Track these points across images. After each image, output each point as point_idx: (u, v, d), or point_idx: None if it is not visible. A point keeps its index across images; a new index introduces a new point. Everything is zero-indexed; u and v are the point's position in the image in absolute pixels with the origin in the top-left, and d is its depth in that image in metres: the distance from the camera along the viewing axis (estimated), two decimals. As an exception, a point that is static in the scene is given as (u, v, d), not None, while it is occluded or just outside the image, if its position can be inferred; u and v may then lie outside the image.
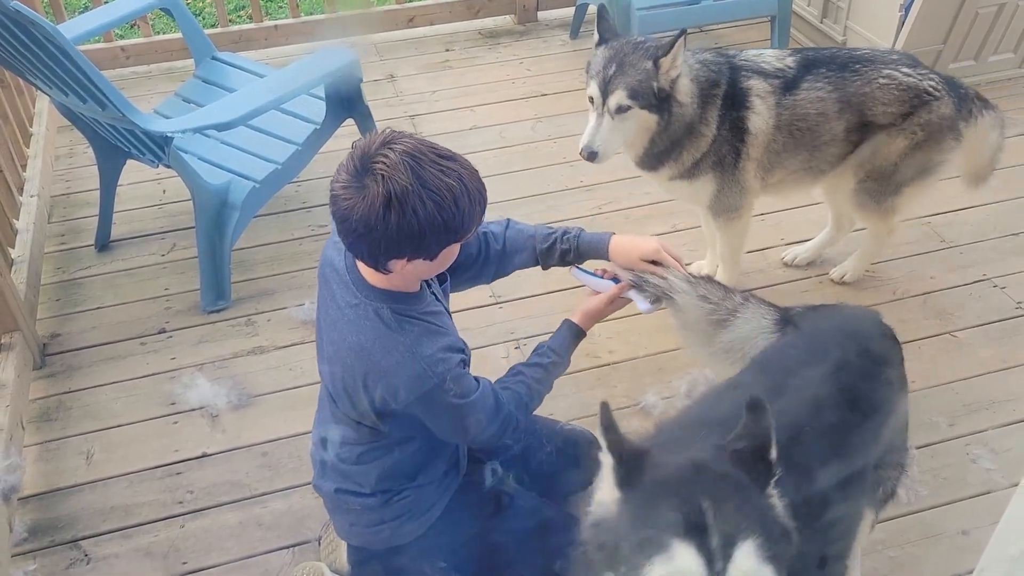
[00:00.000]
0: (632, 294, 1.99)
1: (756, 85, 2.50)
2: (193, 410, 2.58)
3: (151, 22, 4.22)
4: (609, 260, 2.04)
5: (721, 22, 4.18)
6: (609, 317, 2.84)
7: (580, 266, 2.07)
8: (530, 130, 3.77)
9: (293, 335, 2.82)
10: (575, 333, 2.02)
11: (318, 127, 3.03)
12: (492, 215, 3.25)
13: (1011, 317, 2.84)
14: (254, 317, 2.89)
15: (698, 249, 3.09)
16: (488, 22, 4.54)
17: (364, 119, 3.15)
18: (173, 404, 2.60)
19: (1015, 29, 3.83)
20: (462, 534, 1.94)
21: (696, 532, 1.15)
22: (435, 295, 1.84)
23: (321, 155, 3.18)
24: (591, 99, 2.39)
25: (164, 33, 4.35)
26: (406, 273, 1.64)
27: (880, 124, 2.53)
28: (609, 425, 1.27)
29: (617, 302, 2.01)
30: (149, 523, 2.29)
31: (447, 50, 4.35)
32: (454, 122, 3.82)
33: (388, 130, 1.58)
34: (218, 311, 2.90)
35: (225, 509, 2.32)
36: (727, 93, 2.48)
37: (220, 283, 2.88)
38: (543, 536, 1.98)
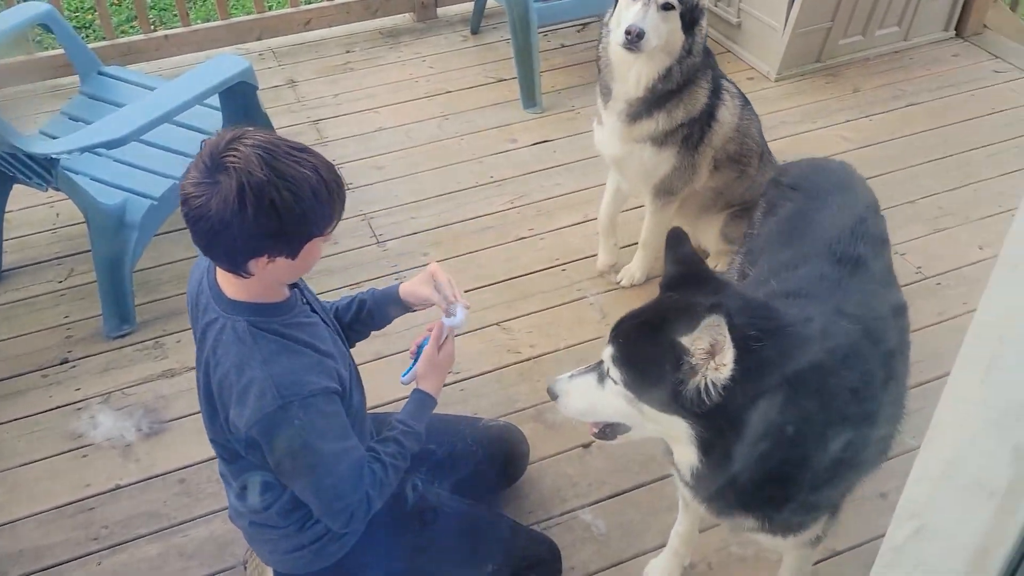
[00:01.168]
0: (441, 325, 1.86)
1: (727, 84, 2.70)
2: (103, 441, 2.47)
3: (32, 39, 4.02)
4: (403, 303, 1.93)
5: (619, 10, 4.21)
6: (527, 312, 2.86)
7: (402, 375, 1.91)
8: (437, 128, 3.73)
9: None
10: (422, 400, 1.83)
11: (216, 138, 2.93)
12: (403, 217, 3.23)
13: (913, 282, 2.94)
14: (162, 339, 2.79)
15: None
16: (387, 21, 4.47)
17: (264, 127, 3.06)
18: (81, 437, 2.49)
19: (898, 3, 3.97)
20: (389, 548, 1.89)
21: None
22: (309, 304, 1.75)
23: (222, 167, 3.09)
24: None
25: (49, 49, 4.14)
26: (267, 275, 1.55)
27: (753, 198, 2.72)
28: None
29: (446, 345, 1.86)
30: (63, 563, 2.19)
31: (347, 52, 4.27)
32: (359, 125, 3.75)
33: (236, 127, 1.52)
34: (123, 336, 2.78)
35: (143, 542, 2.23)
36: (714, 75, 2.62)
37: (123, 307, 2.77)
38: (475, 542, 1.96)
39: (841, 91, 3.91)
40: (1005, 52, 4.09)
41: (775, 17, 3.87)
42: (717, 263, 2.97)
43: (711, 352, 1.37)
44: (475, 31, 4.39)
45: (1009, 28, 4.23)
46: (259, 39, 4.24)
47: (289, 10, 4.28)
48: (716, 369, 1.37)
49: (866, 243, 1.85)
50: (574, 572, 2.16)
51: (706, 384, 1.38)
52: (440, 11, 4.51)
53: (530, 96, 3.80)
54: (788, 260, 1.85)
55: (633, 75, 2.50)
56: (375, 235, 3.15)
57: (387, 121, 3.77)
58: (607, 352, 1.54)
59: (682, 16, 2.41)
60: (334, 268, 3.04)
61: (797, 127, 3.68)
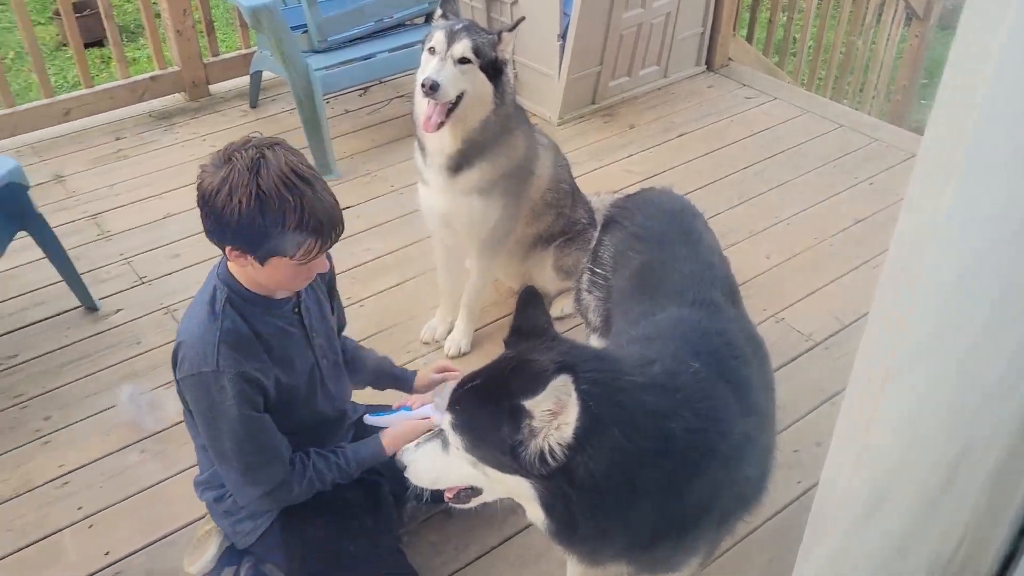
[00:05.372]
0: (427, 412, 2.04)
1: (540, 137, 2.77)
2: None
3: None
4: (413, 390, 2.24)
5: (399, 72, 4.24)
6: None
7: (370, 412, 2.14)
8: (230, 208, 3.56)
9: (3, 489, 2.41)
10: (376, 453, 2.01)
11: (-17, 248, 2.63)
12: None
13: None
14: (-54, 483, 2.43)
15: (430, 297, 3.08)
16: (156, 104, 4.24)
17: (39, 229, 2.79)
18: None
19: (654, 44, 4.31)
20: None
21: None
22: (300, 316, 1.90)
23: (-7, 278, 2.78)
24: (432, 49, 2.44)
25: None
26: (246, 270, 1.75)
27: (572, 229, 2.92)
28: None
29: (421, 424, 2.02)
30: None
31: (117, 139, 4.00)
32: (144, 214, 3.51)
33: (266, 137, 1.70)
34: None
35: None
36: (529, 127, 2.70)
37: None
38: None
39: (619, 128, 4.17)
40: (751, 80, 4.54)
41: (549, 66, 4.07)
42: (562, 307, 3.03)
43: (554, 413, 1.35)
44: (254, 105, 4.27)
45: (749, 58, 4.71)
46: (12, 135, 3.88)
47: (44, 102, 3.95)
48: (558, 429, 1.36)
49: (716, 285, 1.92)
50: (457, 642, 2.09)
51: (548, 446, 1.37)
52: (213, 88, 4.35)
53: (324, 164, 3.73)
54: (644, 307, 1.89)
55: (448, 130, 2.52)
56: (182, 328, 2.95)
57: (174, 207, 3.56)
58: (446, 419, 1.53)
59: (484, 69, 2.47)
60: (140, 369, 2.79)
61: (585, 166, 3.87)
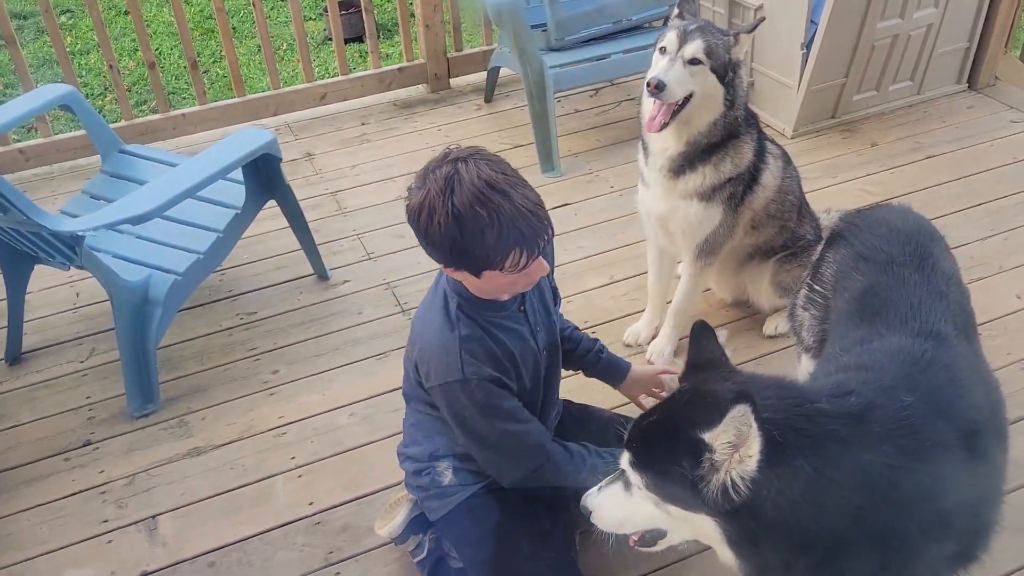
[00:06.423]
0: None
1: (770, 146, 2.66)
2: (129, 525, 2.38)
3: (50, 121, 4.05)
4: (623, 383, 2.28)
5: (632, 74, 4.23)
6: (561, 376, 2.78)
7: None
8: (456, 196, 3.71)
9: (231, 431, 2.66)
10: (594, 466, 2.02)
11: (239, 212, 2.91)
12: (427, 284, 3.19)
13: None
14: (187, 417, 2.71)
15: (638, 299, 3.05)
16: (401, 93, 4.51)
17: (287, 200, 3.05)
18: (106, 521, 2.40)
19: (910, 58, 3.99)
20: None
21: None
22: (525, 313, 1.92)
23: (244, 240, 3.07)
24: (663, 49, 2.43)
25: (64, 132, 4.17)
26: (463, 279, 1.75)
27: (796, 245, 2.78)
28: None
29: None
30: (88, 658, 2.08)
31: (363, 124, 4.30)
32: (378, 195, 3.75)
33: (464, 148, 1.70)
34: (147, 415, 2.71)
35: (173, 632, 2.13)
36: (759, 134, 2.61)
37: (146, 385, 2.70)
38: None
39: (859, 145, 3.91)
40: (1020, 102, 4.10)
41: (789, 75, 3.89)
42: (775, 325, 2.90)
43: (735, 445, 1.30)
44: (488, 100, 4.42)
45: (1021, 79, 4.24)
46: (275, 114, 4.28)
47: (305, 85, 4.32)
48: (741, 462, 1.30)
49: (947, 316, 1.74)
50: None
51: (731, 480, 1.31)
52: (453, 81, 4.56)
53: (548, 160, 3.79)
54: (862, 333, 1.76)
55: (672, 131, 2.48)
56: (400, 304, 3.11)
57: (405, 191, 3.74)
58: (625, 458, 1.50)
59: (715, 71, 2.40)
60: (359, 338, 2.98)
61: (817, 182, 3.66)
